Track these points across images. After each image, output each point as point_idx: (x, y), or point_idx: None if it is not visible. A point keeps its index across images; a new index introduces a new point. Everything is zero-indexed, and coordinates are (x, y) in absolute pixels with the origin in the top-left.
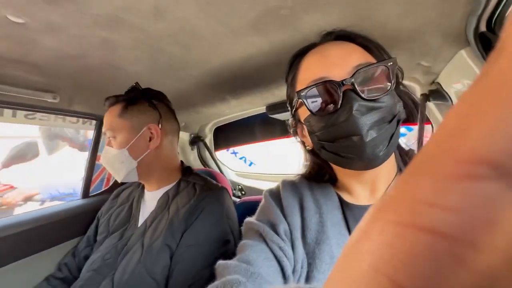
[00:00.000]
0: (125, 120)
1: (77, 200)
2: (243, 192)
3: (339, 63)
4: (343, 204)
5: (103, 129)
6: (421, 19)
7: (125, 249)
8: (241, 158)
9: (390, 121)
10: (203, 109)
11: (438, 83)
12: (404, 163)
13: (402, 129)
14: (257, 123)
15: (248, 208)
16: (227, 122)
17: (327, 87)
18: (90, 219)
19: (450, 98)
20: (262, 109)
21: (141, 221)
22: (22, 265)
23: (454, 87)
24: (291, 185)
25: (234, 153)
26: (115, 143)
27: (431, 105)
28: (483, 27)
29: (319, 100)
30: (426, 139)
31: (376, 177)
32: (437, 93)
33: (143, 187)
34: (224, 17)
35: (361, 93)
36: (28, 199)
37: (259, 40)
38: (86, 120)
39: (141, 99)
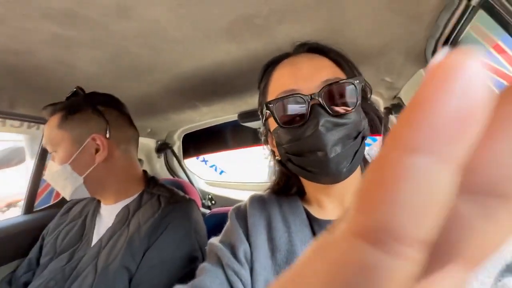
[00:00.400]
0: (65, 132)
1: (18, 217)
2: (213, 202)
3: (309, 76)
4: (312, 220)
5: (43, 143)
6: (388, 37)
7: (75, 273)
8: (211, 166)
9: (355, 137)
10: (171, 115)
11: (400, 98)
12: None
13: (368, 140)
14: (229, 131)
15: (218, 221)
16: (197, 129)
17: (296, 100)
18: (33, 239)
19: None
20: (234, 117)
21: (95, 239)
22: None
23: None
24: (259, 201)
25: (204, 161)
26: (57, 158)
27: (393, 118)
28: (440, 49)
29: (287, 112)
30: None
31: (343, 190)
32: (398, 107)
33: (98, 201)
34: (197, 21)
35: (328, 109)
36: (11, 205)
37: (233, 47)
38: (32, 124)
39: (83, 106)
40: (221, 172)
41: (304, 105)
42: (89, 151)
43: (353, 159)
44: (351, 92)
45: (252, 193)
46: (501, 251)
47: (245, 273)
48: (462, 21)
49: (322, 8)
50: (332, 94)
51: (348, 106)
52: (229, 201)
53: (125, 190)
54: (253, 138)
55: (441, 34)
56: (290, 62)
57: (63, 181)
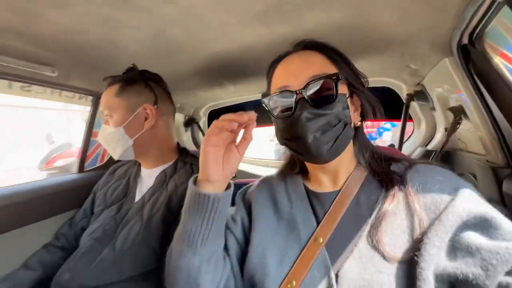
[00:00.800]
0: (122, 100)
1: (73, 175)
2: (234, 175)
3: (298, 74)
4: (310, 193)
5: (101, 108)
6: (413, 27)
7: (124, 221)
8: None
9: (335, 125)
10: (199, 92)
11: (423, 85)
12: (364, 157)
13: (387, 125)
14: (252, 109)
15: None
16: (222, 107)
17: (285, 95)
18: (86, 193)
19: (432, 100)
20: (257, 96)
21: (138, 196)
22: (20, 233)
23: (436, 90)
24: (267, 182)
25: None
26: (112, 122)
27: (414, 104)
28: (465, 40)
29: (279, 105)
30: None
31: (336, 168)
32: (421, 94)
33: (139, 165)
34: (232, 7)
35: (310, 102)
36: None
37: (262, 31)
38: (82, 96)
39: (138, 80)
40: None
41: (292, 99)
42: (139, 118)
43: (334, 143)
44: (331, 87)
45: (267, 168)
46: (457, 211)
47: (238, 230)
48: (488, 16)
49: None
50: (314, 88)
51: (328, 99)
52: (247, 175)
53: (163, 157)
54: None
55: (466, 26)
56: (286, 61)
57: (115, 142)
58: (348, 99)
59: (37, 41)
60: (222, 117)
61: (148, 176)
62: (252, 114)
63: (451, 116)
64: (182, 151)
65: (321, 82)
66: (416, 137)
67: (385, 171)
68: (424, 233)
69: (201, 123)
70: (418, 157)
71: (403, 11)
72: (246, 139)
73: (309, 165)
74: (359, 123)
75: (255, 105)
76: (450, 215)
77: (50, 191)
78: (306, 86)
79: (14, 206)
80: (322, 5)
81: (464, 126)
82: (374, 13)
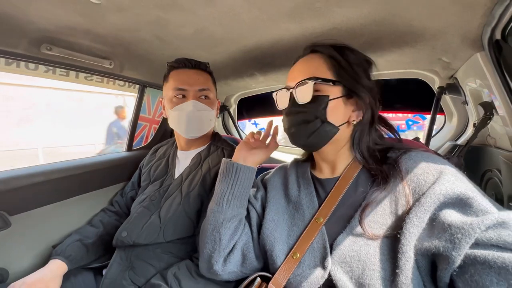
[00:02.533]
0: (214, 87)
1: (123, 152)
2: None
3: (296, 76)
4: (314, 179)
5: (201, 87)
6: (444, 22)
7: (166, 194)
8: (261, 129)
9: (310, 121)
10: (231, 81)
11: (456, 78)
12: (359, 152)
13: (416, 117)
14: None
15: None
16: (252, 95)
17: (284, 91)
18: (133, 168)
19: (464, 94)
20: None
21: (177, 174)
22: (84, 198)
23: (469, 84)
24: (282, 170)
25: (255, 123)
26: (207, 102)
27: (447, 98)
28: (498, 35)
29: (282, 100)
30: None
31: (333, 158)
32: (453, 88)
33: (176, 147)
34: (265, 6)
35: (295, 99)
36: None
37: (292, 26)
38: (130, 84)
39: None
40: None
41: (287, 96)
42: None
43: (309, 136)
44: (311, 89)
45: (290, 155)
46: (435, 193)
47: (258, 205)
48: None
49: None
50: (299, 89)
51: (305, 99)
52: (272, 160)
53: (199, 141)
54: None
55: (497, 24)
56: (294, 65)
57: (208, 121)
58: (341, 100)
59: (100, 39)
60: (250, 134)
61: (184, 157)
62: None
63: (482, 111)
64: (214, 136)
65: (305, 83)
66: (446, 131)
67: (377, 167)
68: (407, 214)
69: (231, 110)
70: (446, 151)
71: (432, 7)
72: (269, 146)
73: (314, 154)
74: (354, 121)
75: None
76: (429, 197)
77: (106, 165)
78: (295, 87)
79: (77, 176)
80: (351, 1)
81: (496, 122)
82: (403, 8)
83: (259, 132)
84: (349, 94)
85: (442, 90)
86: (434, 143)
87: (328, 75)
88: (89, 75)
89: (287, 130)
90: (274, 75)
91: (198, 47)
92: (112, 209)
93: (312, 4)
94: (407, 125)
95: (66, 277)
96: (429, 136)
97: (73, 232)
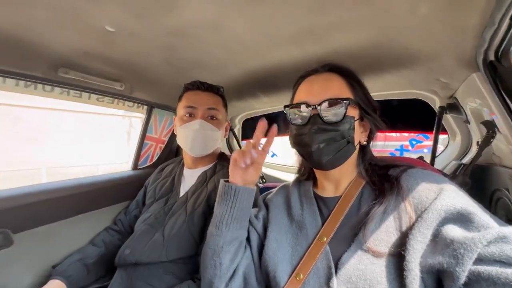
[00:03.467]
0: (224, 109)
1: (128, 171)
2: (263, 180)
3: (317, 93)
4: (317, 197)
5: (210, 106)
6: (437, 44)
7: (171, 212)
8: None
9: (339, 141)
10: (236, 102)
11: (455, 98)
12: (366, 169)
13: (420, 136)
14: (283, 119)
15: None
16: (256, 115)
17: (304, 107)
18: (138, 186)
19: (466, 113)
20: None
21: (182, 192)
22: (87, 217)
23: (469, 104)
24: (284, 189)
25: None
26: (214, 123)
27: (449, 117)
28: (491, 57)
29: (297, 115)
30: (440, 148)
31: (338, 177)
32: (454, 107)
33: (183, 165)
34: (268, 31)
35: (321, 117)
36: None
37: (294, 50)
38: (139, 105)
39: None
40: (273, 155)
41: (308, 112)
42: (224, 129)
43: (334, 155)
44: (340, 109)
45: (293, 175)
46: (437, 209)
47: (259, 225)
48: (508, 37)
49: (375, 19)
50: (326, 107)
51: (337, 118)
52: (277, 180)
53: (205, 160)
54: None
55: (489, 45)
56: (310, 80)
57: (213, 141)
58: (357, 122)
59: (112, 63)
60: (237, 154)
61: (190, 176)
62: (273, 128)
63: (484, 129)
64: (221, 156)
65: (334, 103)
66: (451, 150)
67: (379, 180)
68: (410, 230)
69: (236, 130)
70: (452, 171)
71: (425, 30)
72: (264, 149)
73: (316, 172)
74: (364, 142)
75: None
76: (431, 213)
77: (110, 184)
78: (321, 104)
79: (81, 194)
80: (349, 27)
81: (499, 140)
82: (398, 32)
83: (243, 151)
84: (364, 116)
85: (443, 109)
86: (439, 163)
87: (351, 96)
88: (101, 96)
89: (309, 147)
90: (277, 96)
91: (203, 69)
92: (115, 228)
93: (313, 29)
94: (411, 144)
95: None
96: (433, 156)
97: (74, 252)
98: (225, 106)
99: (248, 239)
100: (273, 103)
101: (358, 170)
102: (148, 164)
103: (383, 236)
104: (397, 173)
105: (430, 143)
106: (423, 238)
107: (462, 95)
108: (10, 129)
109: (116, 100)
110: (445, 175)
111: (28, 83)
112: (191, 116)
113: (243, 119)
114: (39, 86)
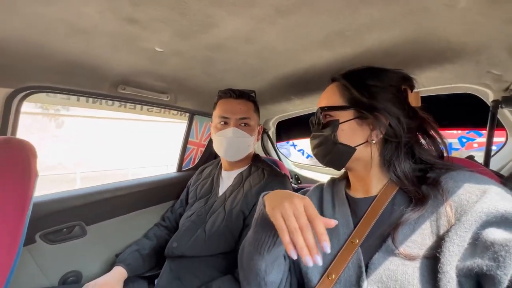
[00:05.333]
0: (256, 116)
1: (173, 173)
2: (299, 181)
3: (321, 102)
4: (349, 198)
5: (242, 116)
6: (485, 37)
7: (211, 210)
8: (299, 151)
9: (324, 144)
10: (270, 106)
11: None
12: (394, 173)
13: (471, 134)
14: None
15: (303, 194)
16: (290, 118)
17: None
18: (183, 187)
19: None
20: None
21: (220, 192)
22: (141, 213)
23: None
24: (318, 189)
25: (294, 145)
26: (246, 129)
27: (506, 112)
28: None
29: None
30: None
31: (365, 177)
32: (511, 100)
33: (221, 167)
34: (298, 39)
35: (314, 125)
36: None
37: (324, 53)
38: (182, 113)
39: (256, 103)
40: (308, 156)
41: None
42: (257, 134)
43: (327, 157)
44: (320, 116)
45: (329, 176)
46: (476, 212)
47: None
48: None
49: (409, 16)
50: (318, 116)
51: (319, 124)
52: (312, 181)
53: (241, 162)
54: None
55: None
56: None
57: (245, 146)
58: (353, 122)
59: (160, 77)
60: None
61: (227, 177)
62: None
63: None
64: (255, 157)
65: (322, 112)
66: (509, 149)
67: (415, 188)
68: (447, 233)
69: (270, 133)
70: (509, 172)
71: (469, 24)
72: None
73: (349, 173)
74: (373, 141)
75: None
76: (470, 215)
77: (159, 184)
78: (316, 114)
79: (137, 193)
80: (381, 26)
81: None
82: (436, 28)
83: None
84: (363, 116)
85: (498, 103)
86: (494, 163)
87: (340, 101)
88: (151, 107)
89: (312, 152)
90: (310, 98)
91: (239, 78)
92: (164, 224)
93: (343, 32)
94: (461, 142)
95: (125, 283)
96: (488, 155)
97: (132, 243)
98: (257, 111)
99: None
100: (306, 105)
101: (389, 174)
102: (190, 166)
103: (417, 238)
104: (437, 175)
105: (483, 140)
106: (460, 241)
107: None
108: (52, 134)
109: (163, 110)
110: (500, 176)
111: (95, 99)
112: (225, 124)
113: (277, 122)
114: (103, 101)
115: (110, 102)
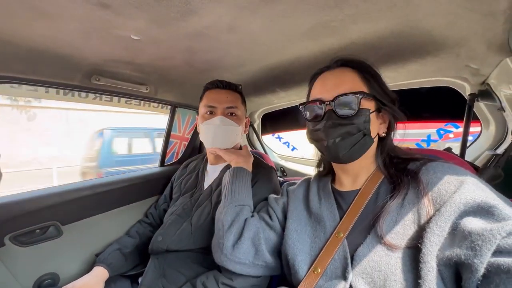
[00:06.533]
0: (243, 106)
1: (156, 168)
2: (284, 174)
3: (331, 89)
4: (335, 192)
5: (229, 104)
6: (465, 30)
7: (197, 203)
8: (284, 143)
9: (354, 134)
10: (255, 98)
11: (488, 84)
12: (384, 163)
13: (448, 126)
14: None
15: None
16: (275, 110)
17: (318, 104)
18: (166, 182)
19: (500, 100)
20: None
21: (206, 185)
22: (122, 210)
23: (504, 91)
24: (306, 182)
25: (279, 138)
26: (234, 119)
27: (481, 104)
28: None
29: (312, 111)
30: (472, 137)
31: (356, 171)
32: (486, 94)
33: (206, 161)
34: (283, 28)
35: (336, 113)
36: None
37: (310, 45)
38: (163, 105)
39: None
40: (293, 148)
41: (322, 109)
42: (244, 125)
43: (350, 149)
44: (353, 102)
45: (313, 168)
46: (455, 202)
47: (278, 209)
48: None
49: (394, 9)
50: (341, 102)
51: (351, 112)
52: (298, 174)
53: None
54: None
55: None
56: (323, 76)
57: (234, 136)
58: (374, 114)
59: (138, 68)
60: None
61: (213, 171)
62: None
63: None
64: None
65: (347, 97)
66: (484, 140)
67: (397, 174)
68: (427, 223)
69: (255, 126)
70: (484, 162)
71: (451, 16)
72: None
73: (334, 166)
74: (383, 134)
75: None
76: (449, 206)
77: (141, 180)
78: (334, 100)
79: (117, 190)
80: (366, 18)
81: None
82: (419, 20)
83: None
84: (380, 108)
85: (474, 97)
86: (470, 154)
87: (365, 89)
88: (129, 99)
89: (324, 141)
90: (295, 91)
91: (222, 69)
92: (147, 220)
93: (328, 23)
94: (439, 134)
95: (107, 283)
96: (464, 146)
97: (113, 242)
98: (244, 102)
99: (264, 217)
100: (291, 97)
101: (376, 163)
102: (174, 160)
103: (399, 229)
104: (416, 166)
105: (459, 131)
106: (440, 231)
107: (496, 82)
108: (25, 128)
109: (142, 102)
110: (475, 167)
111: (66, 91)
112: (212, 113)
113: (262, 114)
114: (76, 93)
115: (83, 94)
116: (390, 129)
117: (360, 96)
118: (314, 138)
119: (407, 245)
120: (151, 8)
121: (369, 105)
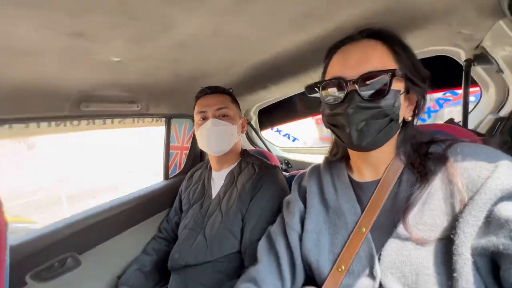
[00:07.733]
0: (234, 105)
1: (162, 182)
2: (289, 166)
3: (355, 66)
4: (353, 183)
5: (218, 106)
6: None
7: (208, 213)
8: (285, 135)
9: (380, 120)
10: (247, 96)
11: (483, 48)
12: (404, 150)
13: (447, 95)
14: (297, 103)
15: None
16: (269, 104)
17: (338, 84)
18: (174, 194)
19: (497, 62)
20: (297, 91)
21: (214, 194)
22: (136, 229)
23: (500, 52)
24: (315, 172)
25: (278, 131)
26: (226, 119)
27: (478, 69)
28: None
29: (331, 92)
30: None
31: (377, 159)
32: (482, 58)
33: (210, 168)
34: (267, 25)
35: (360, 94)
36: None
37: (297, 37)
38: (157, 119)
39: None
40: (294, 139)
41: (343, 88)
42: (240, 125)
43: (376, 135)
44: (383, 83)
45: (319, 156)
46: (490, 189)
47: (296, 221)
48: None
49: None
50: (366, 82)
51: (379, 94)
52: (303, 164)
53: (230, 159)
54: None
55: None
56: (345, 50)
57: (229, 136)
58: (403, 95)
59: (125, 87)
60: None
61: (218, 177)
62: None
63: None
64: (244, 153)
65: (375, 76)
66: (484, 104)
67: (420, 160)
68: (460, 213)
69: (252, 122)
70: (488, 127)
71: None
72: None
73: (351, 154)
74: (409, 118)
75: (301, 98)
76: (483, 193)
77: (149, 196)
78: (359, 78)
79: (129, 210)
80: (350, 2)
81: None
82: None
83: None
84: (409, 89)
85: (470, 62)
86: (473, 119)
87: (395, 66)
88: (122, 119)
89: (346, 128)
90: (287, 83)
91: (212, 73)
92: (161, 235)
93: (312, 12)
94: (439, 104)
95: None
96: (465, 113)
97: (132, 262)
98: (235, 102)
99: (286, 240)
100: (282, 90)
101: (397, 150)
102: (177, 171)
103: (426, 219)
104: (442, 149)
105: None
106: (475, 220)
107: (491, 44)
108: (26, 156)
109: (136, 119)
110: (480, 135)
111: (58, 122)
112: (205, 119)
113: (258, 110)
114: (68, 123)
115: (75, 122)
116: (416, 112)
117: (392, 75)
118: (332, 123)
119: (438, 236)
120: (127, 28)
121: (399, 85)
